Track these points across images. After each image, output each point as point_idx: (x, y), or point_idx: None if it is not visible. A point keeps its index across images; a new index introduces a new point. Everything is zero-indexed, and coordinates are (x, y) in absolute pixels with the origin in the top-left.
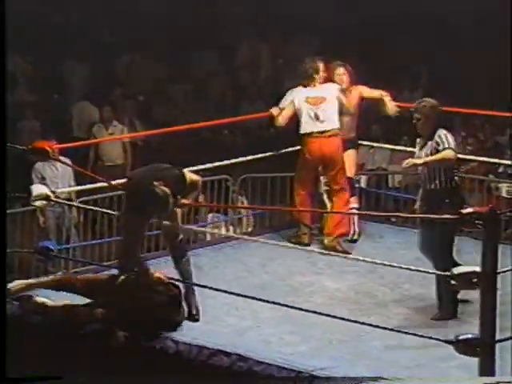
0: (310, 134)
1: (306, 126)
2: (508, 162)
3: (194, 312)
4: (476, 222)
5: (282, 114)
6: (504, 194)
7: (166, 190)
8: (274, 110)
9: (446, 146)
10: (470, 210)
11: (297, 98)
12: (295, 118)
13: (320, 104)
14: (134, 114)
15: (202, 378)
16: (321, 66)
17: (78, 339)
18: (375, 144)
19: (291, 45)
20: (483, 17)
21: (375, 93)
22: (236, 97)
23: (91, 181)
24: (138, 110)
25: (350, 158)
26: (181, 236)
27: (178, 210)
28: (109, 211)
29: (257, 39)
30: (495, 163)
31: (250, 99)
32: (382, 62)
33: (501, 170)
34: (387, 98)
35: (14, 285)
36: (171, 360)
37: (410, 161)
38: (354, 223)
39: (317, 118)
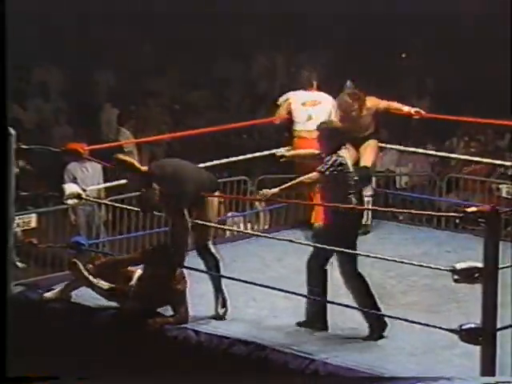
0: (299, 133)
1: (298, 126)
2: (508, 164)
3: (221, 312)
4: (479, 220)
5: (277, 113)
6: (504, 195)
7: None
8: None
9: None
10: (473, 208)
11: (294, 98)
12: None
13: (314, 106)
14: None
15: (222, 367)
16: (315, 74)
17: (105, 327)
18: (385, 145)
19: (304, 54)
20: (488, 24)
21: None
22: (253, 104)
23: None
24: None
25: (369, 147)
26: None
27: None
28: (134, 208)
29: (272, 50)
30: (496, 165)
31: (267, 107)
32: (388, 71)
33: (501, 171)
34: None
35: None
36: (193, 350)
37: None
38: (366, 212)
39: (309, 118)
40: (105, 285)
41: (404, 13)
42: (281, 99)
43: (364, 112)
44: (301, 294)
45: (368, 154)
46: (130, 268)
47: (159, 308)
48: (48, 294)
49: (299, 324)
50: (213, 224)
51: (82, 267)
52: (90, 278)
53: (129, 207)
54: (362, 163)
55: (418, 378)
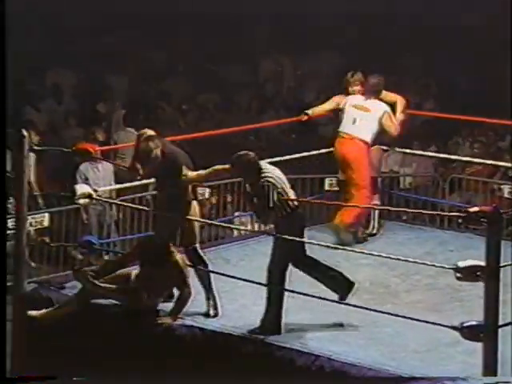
0: (340, 134)
1: (341, 127)
2: (510, 165)
3: (211, 312)
4: (481, 219)
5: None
6: (506, 195)
7: None
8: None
9: None
10: (476, 208)
11: (350, 100)
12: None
13: (363, 112)
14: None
15: (228, 364)
16: (382, 82)
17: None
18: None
19: (311, 57)
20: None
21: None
22: (261, 107)
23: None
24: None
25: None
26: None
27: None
28: (145, 208)
29: (280, 53)
30: (498, 166)
31: (274, 109)
32: (393, 73)
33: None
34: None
35: None
36: (199, 347)
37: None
38: (374, 218)
39: (354, 122)
40: (112, 286)
41: (408, 13)
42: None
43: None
44: (305, 294)
45: (375, 161)
46: (124, 270)
47: (164, 297)
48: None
49: (252, 332)
50: (217, 224)
51: (87, 273)
52: (96, 282)
53: (139, 207)
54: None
55: (424, 378)
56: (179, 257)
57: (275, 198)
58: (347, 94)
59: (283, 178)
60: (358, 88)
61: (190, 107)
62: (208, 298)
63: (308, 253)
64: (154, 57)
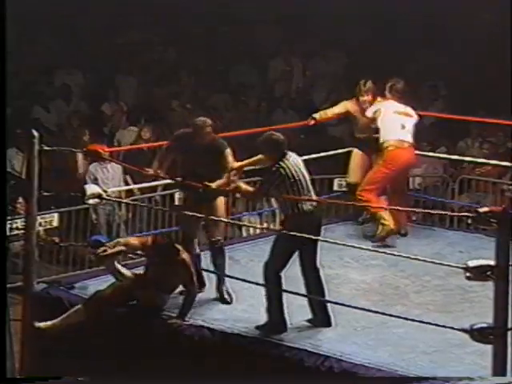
0: (392, 143)
1: (389, 135)
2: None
3: (226, 297)
4: (491, 220)
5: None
6: None
7: None
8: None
9: None
10: (485, 209)
11: (385, 106)
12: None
13: (407, 117)
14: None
15: (238, 365)
16: (371, 86)
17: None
18: None
19: (320, 58)
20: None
21: None
22: (270, 107)
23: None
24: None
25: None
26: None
27: (221, 204)
28: (153, 207)
29: (289, 53)
30: (507, 166)
31: (283, 109)
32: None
33: None
34: None
35: None
36: (209, 348)
37: None
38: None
39: (403, 127)
40: (128, 273)
41: (417, 12)
42: (371, 110)
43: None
44: (314, 297)
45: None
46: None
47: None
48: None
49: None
50: (229, 221)
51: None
52: (118, 266)
53: (149, 206)
54: None
55: (432, 378)
56: (185, 255)
57: (279, 187)
58: (357, 101)
59: (303, 176)
60: (368, 98)
61: (198, 107)
62: (221, 286)
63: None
64: (163, 57)
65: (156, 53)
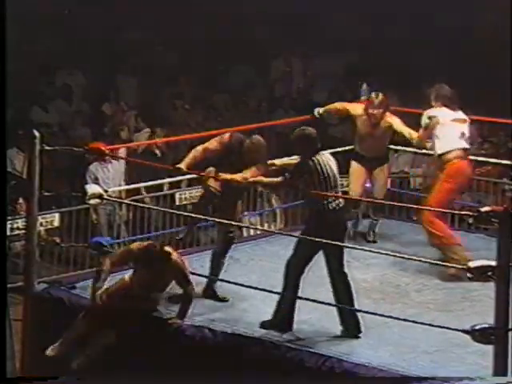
0: (456, 152)
1: (449, 144)
2: None
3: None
4: (492, 219)
5: (422, 132)
6: None
7: None
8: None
9: None
10: (487, 208)
11: (441, 114)
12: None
13: (464, 123)
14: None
15: (239, 366)
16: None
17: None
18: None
19: (321, 58)
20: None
21: (405, 131)
22: (270, 107)
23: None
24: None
25: (382, 173)
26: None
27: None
28: (156, 208)
29: (290, 53)
30: (509, 166)
31: (284, 109)
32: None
33: None
34: (414, 139)
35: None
36: (209, 349)
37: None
38: None
39: (463, 135)
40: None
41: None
42: (424, 120)
43: (383, 129)
44: (312, 300)
45: (382, 183)
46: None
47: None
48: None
49: (263, 326)
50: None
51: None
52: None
53: (149, 206)
54: (375, 194)
55: (437, 378)
56: (176, 256)
57: (305, 183)
58: (365, 111)
59: (333, 175)
60: (379, 111)
61: (199, 107)
62: (212, 282)
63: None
64: (164, 57)
65: (157, 53)
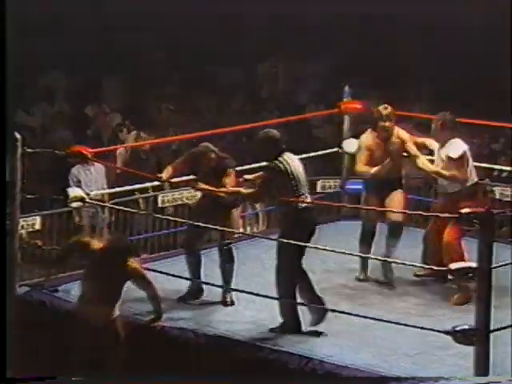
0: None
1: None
2: (502, 168)
3: (228, 301)
4: (473, 221)
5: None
6: (498, 197)
7: None
8: None
9: None
10: (468, 210)
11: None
12: None
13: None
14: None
15: (221, 368)
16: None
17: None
18: None
19: (305, 60)
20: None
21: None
22: (256, 108)
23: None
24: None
25: (396, 199)
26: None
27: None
28: (138, 211)
29: (274, 55)
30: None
31: (268, 111)
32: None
33: (495, 173)
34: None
35: None
36: (193, 351)
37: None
38: None
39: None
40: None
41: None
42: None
43: (394, 145)
44: (296, 302)
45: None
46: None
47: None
48: None
49: (273, 330)
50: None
51: None
52: None
53: (132, 210)
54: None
55: (416, 378)
56: (135, 264)
57: (276, 184)
58: (374, 128)
59: (301, 173)
60: (391, 124)
61: (182, 108)
62: (226, 290)
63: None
64: (148, 58)
65: (142, 54)
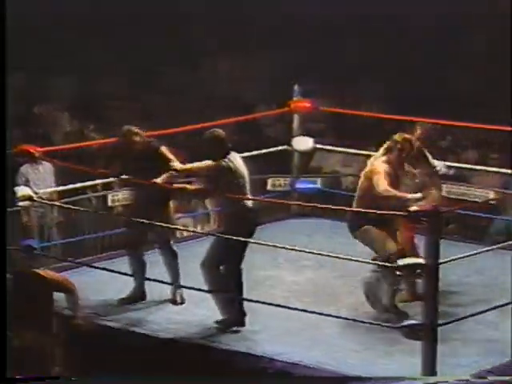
0: None
1: None
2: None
3: (178, 299)
4: (421, 218)
5: None
6: (444, 194)
7: None
8: None
9: None
10: (415, 207)
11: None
12: None
13: None
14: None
15: (168, 369)
16: None
17: None
18: (330, 148)
19: (251, 58)
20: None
21: None
22: (203, 106)
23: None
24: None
25: None
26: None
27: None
28: (87, 210)
29: (222, 54)
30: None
31: (215, 109)
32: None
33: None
34: None
35: None
36: (140, 352)
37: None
38: None
39: None
40: None
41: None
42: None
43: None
44: (248, 299)
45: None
46: None
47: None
48: None
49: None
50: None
51: None
52: None
53: (80, 209)
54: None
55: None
56: (47, 274)
57: (225, 184)
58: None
59: (245, 174)
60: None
61: (132, 107)
62: (175, 287)
63: (248, 254)
64: (96, 58)
65: (92, 53)
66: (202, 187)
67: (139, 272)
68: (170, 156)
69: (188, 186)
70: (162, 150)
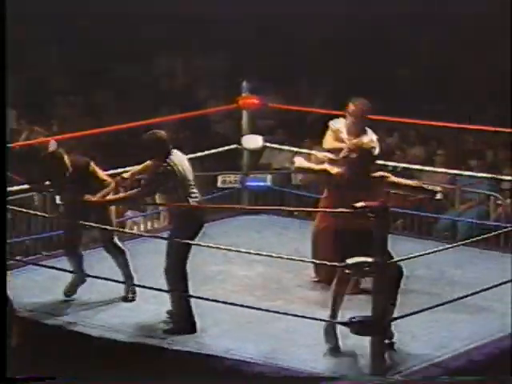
0: None
1: None
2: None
3: (130, 295)
4: (368, 214)
5: None
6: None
7: None
8: None
9: None
10: (361, 203)
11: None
12: None
13: None
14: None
15: (117, 371)
16: None
17: None
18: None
19: (204, 56)
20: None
21: None
22: (154, 105)
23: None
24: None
25: None
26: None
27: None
28: (22, 210)
29: (172, 52)
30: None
31: (167, 106)
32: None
33: (390, 168)
34: None
35: None
36: (85, 353)
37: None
38: None
39: None
40: None
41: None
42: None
43: None
44: (196, 296)
45: None
46: None
47: None
48: None
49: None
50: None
51: None
52: None
53: (16, 208)
54: None
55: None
56: None
57: (167, 186)
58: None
59: (189, 173)
60: None
61: (81, 104)
62: (127, 284)
63: (200, 249)
64: (46, 54)
65: (39, 51)
66: (135, 192)
67: (79, 271)
68: (101, 173)
69: (119, 196)
70: (91, 168)
